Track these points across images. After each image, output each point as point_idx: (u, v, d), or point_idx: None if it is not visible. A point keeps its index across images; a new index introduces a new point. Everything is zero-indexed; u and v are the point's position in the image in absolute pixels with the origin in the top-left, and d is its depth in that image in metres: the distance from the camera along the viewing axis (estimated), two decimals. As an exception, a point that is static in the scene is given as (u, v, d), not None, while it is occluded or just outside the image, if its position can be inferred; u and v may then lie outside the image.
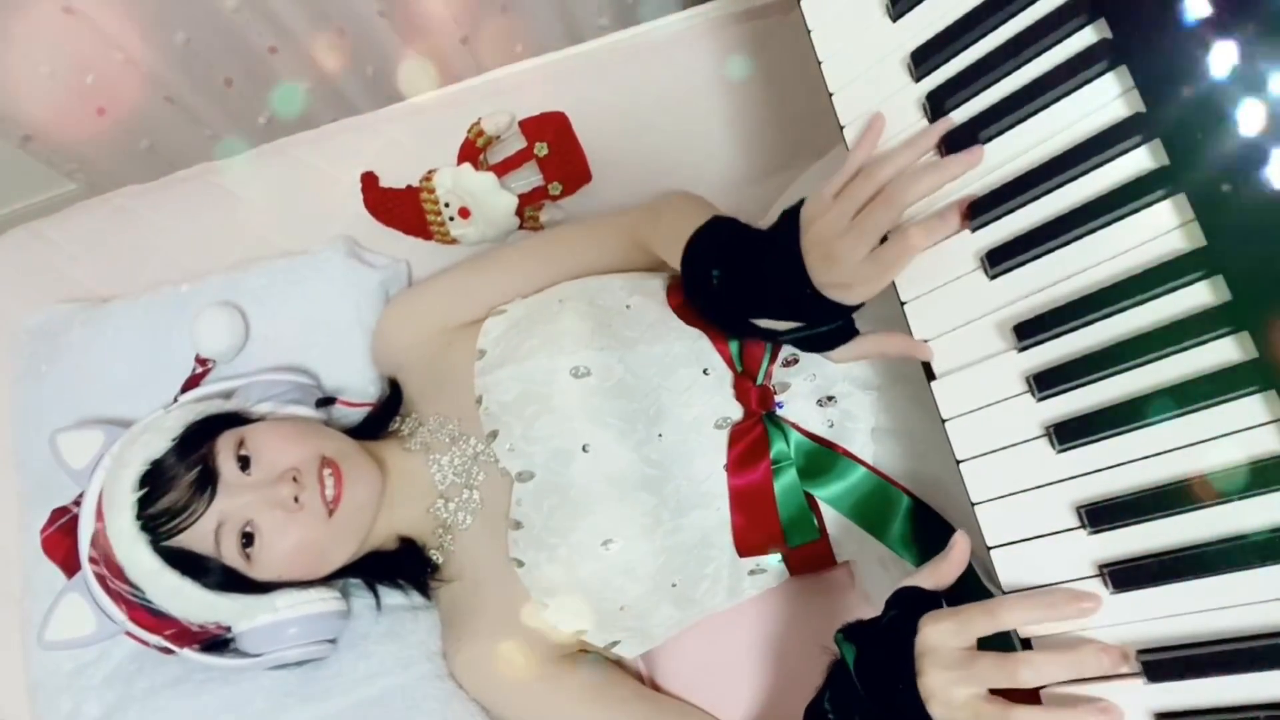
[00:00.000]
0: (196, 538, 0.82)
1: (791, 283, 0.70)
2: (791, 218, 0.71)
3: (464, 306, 1.00)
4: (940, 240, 0.65)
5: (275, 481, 0.83)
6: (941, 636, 0.60)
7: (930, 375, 0.67)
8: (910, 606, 0.64)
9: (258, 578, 0.85)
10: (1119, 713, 0.56)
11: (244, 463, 0.84)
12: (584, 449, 0.84)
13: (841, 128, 0.73)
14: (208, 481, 0.82)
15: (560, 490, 0.84)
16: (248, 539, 0.83)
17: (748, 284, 0.75)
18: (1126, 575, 0.56)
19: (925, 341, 0.67)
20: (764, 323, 0.75)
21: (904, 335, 0.69)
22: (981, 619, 0.60)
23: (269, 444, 0.85)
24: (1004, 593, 0.62)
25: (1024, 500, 0.61)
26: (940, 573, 0.65)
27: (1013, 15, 0.64)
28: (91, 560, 0.87)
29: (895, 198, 0.65)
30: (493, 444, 0.88)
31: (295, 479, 0.83)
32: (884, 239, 0.67)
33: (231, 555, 0.83)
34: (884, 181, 0.66)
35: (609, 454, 0.84)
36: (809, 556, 0.91)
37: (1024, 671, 0.57)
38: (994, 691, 0.59)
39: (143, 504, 0.82)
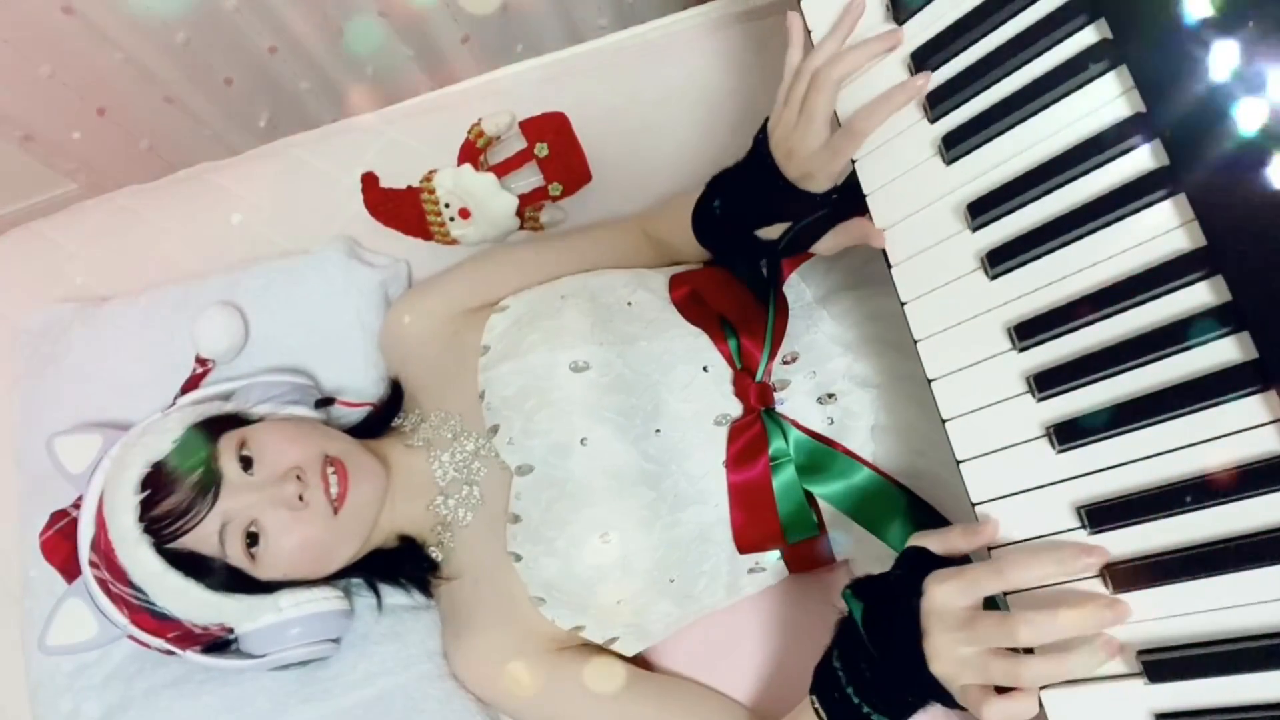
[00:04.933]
0: (200, 539, 0.82)
1: (770, 183, 0.79)
2: (764, 131, 0.80)
3: (474, 301, 1.00)
4: (886, 117, 0.69)
5: (279, 480, 0.83)
6: (947, 597, 0.60)
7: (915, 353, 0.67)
8: (916, 566, 0.63)
9: (262, 577, 0.85)
10: (1117, 645, 0.55)
11: (246, 463, 0.84)
12: (582, 442, 0.84)
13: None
14: (211, 483, 0.82)
15: (558, 483, 0.84)
16: (252, 539, 0.83)
17: (742, 201, 0.85)
18: (1127, 576, 0.56)
19: (894, 243, 0.70)
20: (763, 234, 0.83)
21: (862, 220, 0.73)
22: (989, 579, 0.59)
23: (271, 443, 0.85)
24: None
25: (1024, 501, 0.61)
26: (951, 543, 0.64)
27: (1013, 15, 0.64)
28: (92, 564, 0.87)
29: (821, 81, 0.72)
30: (493, 439, 0.89)
31: (299, 477, 0.83)
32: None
33: (236, 555, 0.83)
34: (812, 71, 0.72)
35: (607, 448, 0.84)
36: (808, 554, 0.91)
37: (1023, 630, 0.56)
38: None
39: (145, 506, 0.82)
